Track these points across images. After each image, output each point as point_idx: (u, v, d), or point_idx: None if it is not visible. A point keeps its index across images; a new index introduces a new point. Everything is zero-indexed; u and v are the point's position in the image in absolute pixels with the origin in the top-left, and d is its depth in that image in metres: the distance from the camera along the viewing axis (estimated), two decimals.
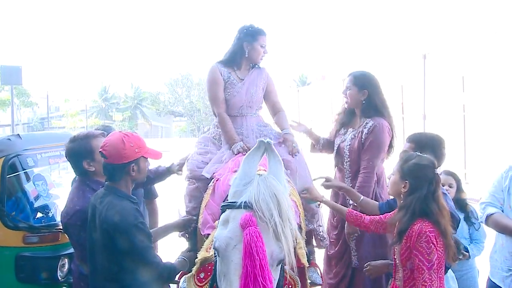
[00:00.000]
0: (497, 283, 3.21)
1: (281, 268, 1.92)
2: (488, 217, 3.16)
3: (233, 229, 1.83)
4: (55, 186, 4.10)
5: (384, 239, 3.50)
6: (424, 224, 2.58)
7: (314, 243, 3.66)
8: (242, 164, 1.98)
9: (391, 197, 3.31)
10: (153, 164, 3.75)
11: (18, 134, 4.13)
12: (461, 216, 3.63)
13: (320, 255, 3.89)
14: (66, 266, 3.70)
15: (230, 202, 1.92)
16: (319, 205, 3.36)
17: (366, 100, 3.69)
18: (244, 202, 1.84)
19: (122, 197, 2.72)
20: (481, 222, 3.31)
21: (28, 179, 3.90)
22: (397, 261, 2.73)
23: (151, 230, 2.91)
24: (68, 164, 3.27)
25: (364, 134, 3.63)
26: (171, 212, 3.50)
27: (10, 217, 3.66)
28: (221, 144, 3.67)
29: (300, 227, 3.05)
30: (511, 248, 3.12)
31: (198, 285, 2.56)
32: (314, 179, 3.51)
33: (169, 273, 2.74)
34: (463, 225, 3.66)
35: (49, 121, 50.18)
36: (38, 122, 57.62)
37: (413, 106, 12.96)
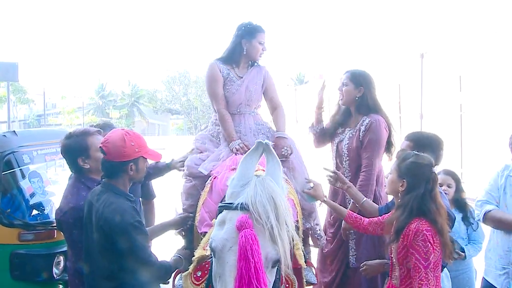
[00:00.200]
0: (491, 282, 3.23)
1: (277, 269, 1.91)
2: (486, 214, 3.17)
3: (229, 231, 1.82)
4: (51, 183, 4.09)
5: (383, 239, 3.50)
6: (421, 222, 2.59)
7: (311, 242, 3.65)
8: (240, 165, 1.98)
9: (389, 195, 3.32)
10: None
11: (14, 131, 4.11)
12: (459, 216, 3.64)
13: (314, 254, 3.89)
14: (62, 263, 3.68)
15: (227, 203, 1.91)
16: (320, 204, 3.35)
17: (360, 97, 3.73)
18: (241, 204, 1.83)
19: (119, 195, 2.70)
20: (479, 220, 3.31)
21: (23, 176, 3.88)
22: (394, 260, 2.73)
23: (147, 228, 2.90)
24: (65, 161, 3.25)
25: (361, 131, 3.64)
26: (168, 212, 3.48)
27: (5, 214, 3.64)
28: (219, 141, 3.66)
29: (297, 226, 3.04)
30: (506, 247, 3.14)
31: (195, 284, 2.55)
32: (325, 169, 3.49)
33: (165, 271, 2.73)
34: (460, 225, 3.66)
35: (46, 118, 50.16)
36: (35, 119, 57.46)
37: (410, 105, 12.98)
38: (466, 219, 3.62)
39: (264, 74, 3.77)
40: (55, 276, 3.64)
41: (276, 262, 1.85)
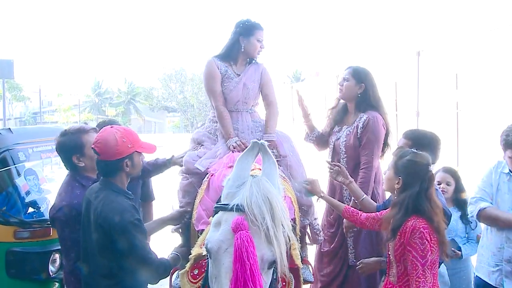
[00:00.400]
0: (483, 278, 3.24)
1: (273, 270, 1.90)
2: (480, 211, 3.17)
3: (224, 232, 1.81)
4: (46, 181, 4.07)
5: (381, 236, 3.51)
6: (418, 220, 2.59)
7: (307, 240, 3.65)
8: (235, 166, 1.97)
9: (387, 193, 3.32)
10: (150, 157, 3.73)
11: (9, 128, 4.09)
12: (458, 214, 3.64)
13: (311, 252, 3.89)
14: (58, 261, 3.67)
15: (222, 204, 1.90)
16: (317, 200, 3.35)
17: (361, 94, 3.72)
18: (236, 205, 1.82)
19: (118, 193, 2.69)
20: (472, 216, 3.31)
21: (19, 173, 3.86)
22: (391, 258, 2.74)
23: (145, 224, 2.89)
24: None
25: (359, 128, 3.64)
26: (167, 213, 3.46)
27: (0, 212, 3.63)
28: (216, 138, 3.65)
29: (294, 223, 3.04)
30: (499, 244, 3.14)
31: (192, 282, 2.54)
32: (328, 162, 3.48)
33: (164, 269, 2.72)
34: (458, 223, 3.67)
35: (42, 116, 49.97)
36: (31, 117, 57.33)
37: (406, 103, 12.98)
38: (464, 217, 3.62)
39: (262, 71, 3.75)
40: (51, 274, 3.64)
41: (272, 264, 1.85)
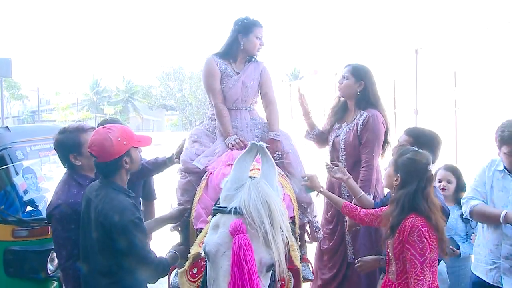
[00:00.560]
0: (480, 276, 3.24)
1: (272, 272, 1.89)
2: (472, 209, 3.18)
3: (222, 235, 1.80)
4: (45, 179, 4.06)
5: (380, 233, 3.51)
6: (417, 218, 2.59)
7: (307, 238, 3.65)
8: (234, 167, 1.95)
9: (386, 190, 3.32)
10: (150, 156, 3.72)
11: (7, 127, 4.08)
12: (458, 213, 3.63)
13: (311, 250, 3.89)
14: (56, 260, 3.66)
15: (220, 207, 1.89)
16: (317, 195, 3.35)
17: (361, 92, 3.72)
18: (235, 208, 1.81)
19: (118, 191, 2.68)
20: (466, 216, 3.31)
21: (17, 172, 3.85)
22: (390, 255, 2.74)
23: (144, 222, 2.88)
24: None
25: (359, 126, 3.65)
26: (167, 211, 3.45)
27: None
28: (215, 136, 3.65)
29: (294, 222, 3.04)
30: (496, 241, 3.15)
31: (190, 281, 2.54)
32: (327, 165, 3.48)
33: (163, 268, 2.71)
34: (458, 222, 3.67)
35: (40, 114, 49.94)
36: (29, 115, 57.28)
37: (405, 101, 12.98)
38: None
39: (261, 69, 3.74)
40: (49, 272, 3.63)
41: (271, 267, 1.84)
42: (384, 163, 3.68)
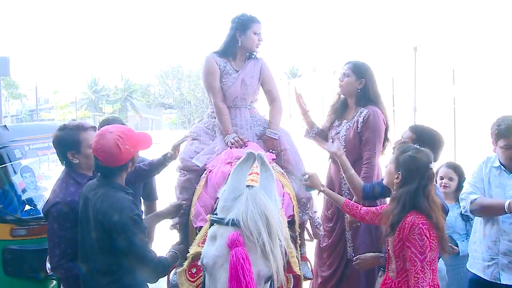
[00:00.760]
0: (477, 274, 3.24)
1: (270, 282, 1.88)
2: (472, 202, 3.18)
3: (220, 247, 1.79)
4: (43, 178, 4.05)
5: (380, 230, 3.51)
6: (417, 216, 2.58)
7: (306, 236, 3.65)
8: (230, 177, 1.92)
9: None
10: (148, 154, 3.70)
11: (5, 125, 4.07)
12: (458, 211, 3.63)
13: (310, 249, 3.88)
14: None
15: (218, 218, 1.87)
16: (318, 193, 3.36)
17: (362, 89, 3.72)
18: (232, 220, 1.79)
19: (117, 189, 2.66)
20: (466, 211, 3.31)
21: (15, 171, 3.84)
22: (390, 253, 2.73)
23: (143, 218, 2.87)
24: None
25: (359, 123, 3.65)
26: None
27: None
28: (214, 134, 3.64)
29: (293, 220, 3.04)
30: (494, 237, 3.15)
31: (189, 280, 2.53)
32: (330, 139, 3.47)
33: (163, 267, 2.69)
34: (457, 220, 3.67)
35: (38, 113, 49.87)
36: (27, 114, 57.17)
37: (403, 98, 13.00)
38: (465, 214, 3.60)
39: (261, 66, 3.72)
40: (48, 271, 3.61)
41: (269, 279, 1.83)
42: (384, 160, 3.68)
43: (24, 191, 3.81)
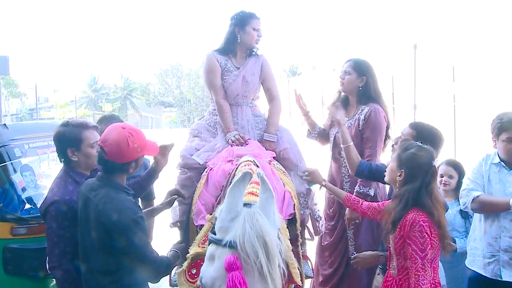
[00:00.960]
0: (477, 271, 3.23)
1: None
2: (473, 200, 3.17)
3: (218, 269, 1.79)
4: (43, 177, 4.04)
5: (382, 229, 3.51)
6: (418, 213, 2.58)
7: (307, 236, 3.65)
8: (227, 197, 1.90)
9: (387, 186, 3.30)
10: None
11: (5, 124, 4.06)
12: (458, 208, 3.63)
13: (311, 247, 3.88)
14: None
15: (216, 239, 1.86)
16: (320, 188, 3.36)
17: (363, 87, 3.71)
18: (229, 242, 1.78)
19: (119, 190, 2.64)
20: (466, 207, 3.30)
21: (15, 170, 3.83)
22: (391, 250, 2.73)
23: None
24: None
25: (361, 121, 3.65)
26: (167, 212, 3.43)
27: None
28: (215, 131, 3.63)
29: (294, 219, 3.03)
30: (495, 234, 3.15)
31: (189, 281, 2.53)
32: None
33: (165, 267, 2.68)
34: (456, 217, 3.66)
35: (38, 112, 49.82)
36: (27, 113, 57.11)
37: (403, 96, 12.98)
38: (465, 212, 3.59)
39: (262, 63, 3.71)
40: (48, 270, 3.61)
41: None
42: (384, 158, 3.68)
43: (24, 189, 3.81)
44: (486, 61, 10.09)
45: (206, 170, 3.20)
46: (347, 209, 3.53)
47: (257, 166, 2.83)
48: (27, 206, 3.82)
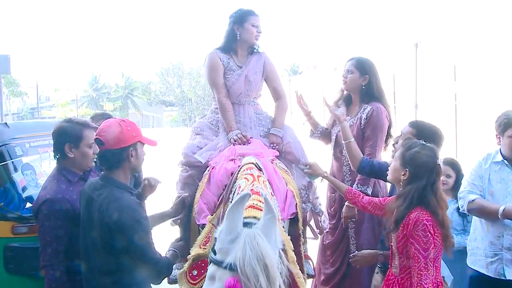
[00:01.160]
0: (480, 270, 3.22)
1: None
2: (470, 203, 3.17)
3: None
4: (44, 176, 4.02)
5: (384, 228, 3.51)
6: (421, 212, 2.56)
7: (310, 234, 3.64)
8: (226, 218, 1.88)
9: (388, 184, 3.29)
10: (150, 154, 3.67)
11: (6, 123, 4.05)
12: (455, 206, 3.62)
13: (312, 247, 3.88)
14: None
15: (216, 260, 1.85)
16: (321, 180, 3.36)
17: (366, 85, 3.71)
18: (230, 265, 1.77)
19: (122, 189, 2.63)
20: (463, 210, 3.30)
21: (16, 168, 3.83)
22: (394, 249, 2.72)
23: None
24: None
25: (363, 119, 3.64)
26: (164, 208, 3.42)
27: None
28: (218, 129, 3.63)
29: (296, 218, 3.03)
30: (497, 233, 3.13)
31: (190, 283, 2.52)
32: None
33: (167, 268, 2.68)
34: (453, 215, 3.65)
35: (39, 111, 49.89)
36: (28, 112, 57.12)
37: (405, 95, 12.98)
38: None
39: (264, 60, 3.70)
40: (39, 269, 3.61)
41: None
42: (385, 157, 3.67)
43: (25, 188, 3.80)
44: (488, 60, 10.08)
45: (208, 169, 3.19)
46: (344, 207, 3.53)
47: (259, 169, 2.83)
48: (28, 205, 3.81)
